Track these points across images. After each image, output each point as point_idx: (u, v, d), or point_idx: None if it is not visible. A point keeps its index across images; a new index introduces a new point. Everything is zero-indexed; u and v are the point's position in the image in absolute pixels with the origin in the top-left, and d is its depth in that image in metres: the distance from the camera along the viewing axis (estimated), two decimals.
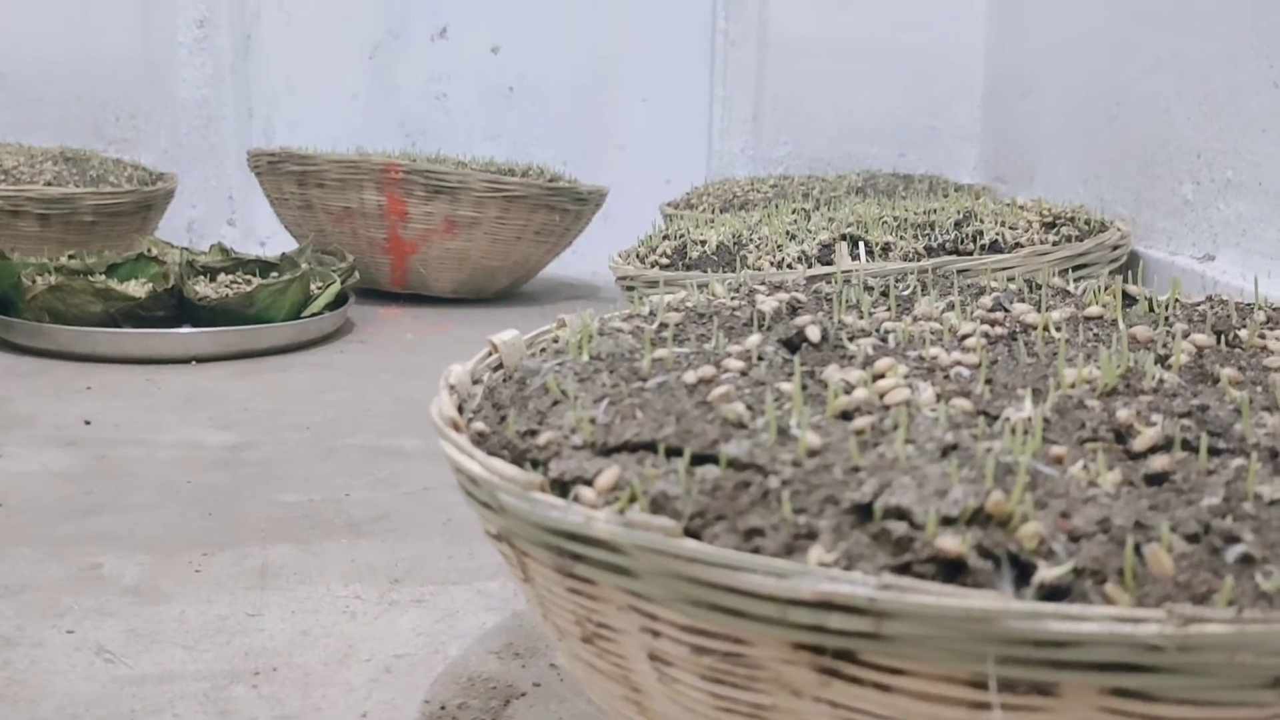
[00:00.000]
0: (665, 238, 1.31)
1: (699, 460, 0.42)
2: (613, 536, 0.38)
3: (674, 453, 0.42)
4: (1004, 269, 1.11)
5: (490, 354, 0.61)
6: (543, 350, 0.61)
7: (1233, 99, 1.22)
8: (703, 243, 1.23)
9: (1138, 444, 0.43)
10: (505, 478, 0.42)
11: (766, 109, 2.38)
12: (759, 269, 1.15)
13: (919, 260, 1.13)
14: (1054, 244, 1.20)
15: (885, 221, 1.23)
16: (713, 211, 1.84)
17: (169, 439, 1.11)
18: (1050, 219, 1.27)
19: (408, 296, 1.95)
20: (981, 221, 1.22)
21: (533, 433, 0.47)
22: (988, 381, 0.50)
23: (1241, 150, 1.20)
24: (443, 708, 0.63)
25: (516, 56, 2.40)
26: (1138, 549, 0.36)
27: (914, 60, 2.35)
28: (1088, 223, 1.29)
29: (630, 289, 1.22)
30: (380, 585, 0.79)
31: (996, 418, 0.45)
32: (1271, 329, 0.61)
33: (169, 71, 2.26)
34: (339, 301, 1.62)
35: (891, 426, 0.43)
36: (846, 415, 0.45)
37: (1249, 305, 0.69)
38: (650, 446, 0.43)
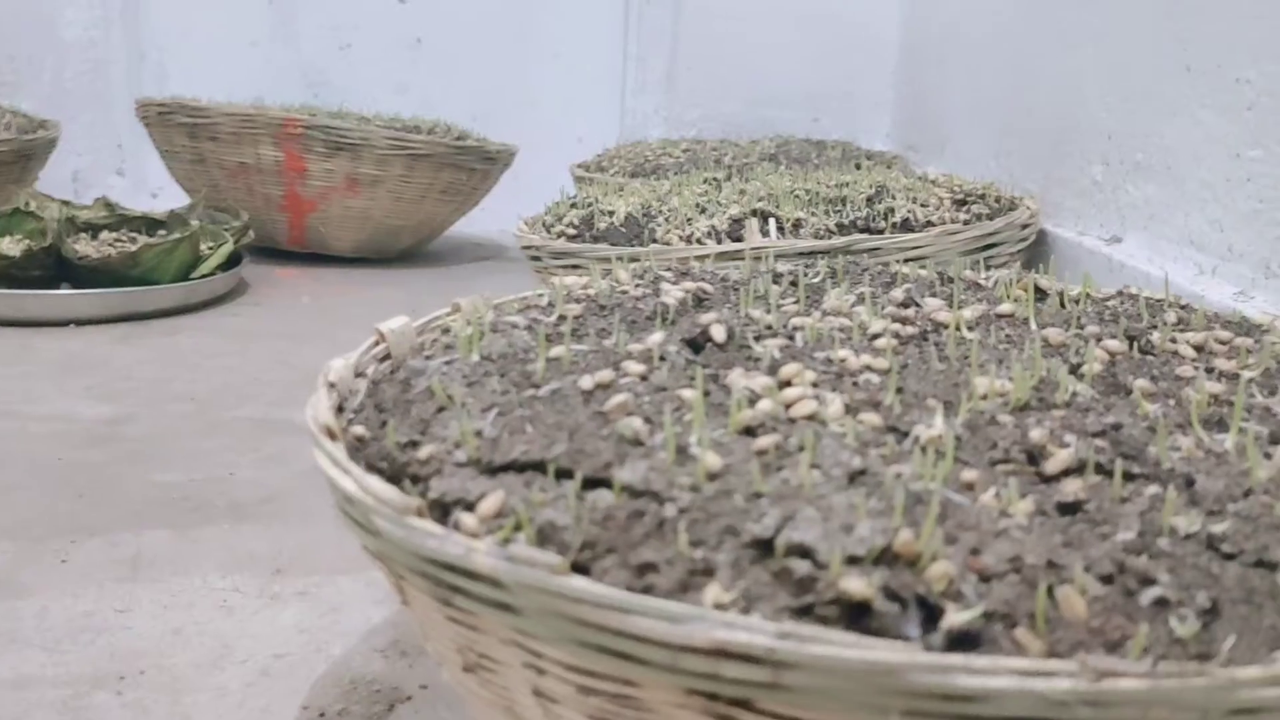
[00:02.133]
0: (573, 206, 1.27)
1: (591, 484, 0.39)
2: (494, 571, 0.35)
3: (565, 474, 0.39)
4: (914, 249, 1.10)
5: (377, 343, 0.57)
6: (433, 342, 0.57)
7: (1145, 81, 1.22)
8: (611, 213, 1.19)
9: (1050, 466, 0.41)
10: (380, 499, 0.38)
11: (681, 69, 2.33)
12: (668, 243, 1.12)
13: (830, 238, 1.11)
14: (965, 223, 1.19)
15: (797, 195, 1.21)
16: (624, 175, 1.80)
17: (41, 411, 1.05)
18: (961, 196, 1.26)
19: (306, 256, 1.87)
20: (894, 198, 1.20)
21: (414, 444, 0.43)
22: (898, 390, 0.48)
23: (1152, 133, 1.20)
24: (322, 714, 0.60)
25: (425, 6, 2.31)
26: (1050, 591, 0.34)
27: (829, 25, 2.32)
28: (998, 200, 1.29)
29: (536, 259, 1.18)
30: (261, 576, 0.75)
31: (906, 434, 0.43)
32: (1182, 331, 0.60)
33: (53, 11, 2.14)
34: (232, 262, 1.55)
35: (797, 447, 0.40)
36: (750, 430, 0.43)
37: (1159, 301, 0.68)
38: (539, 466, 0.40)
